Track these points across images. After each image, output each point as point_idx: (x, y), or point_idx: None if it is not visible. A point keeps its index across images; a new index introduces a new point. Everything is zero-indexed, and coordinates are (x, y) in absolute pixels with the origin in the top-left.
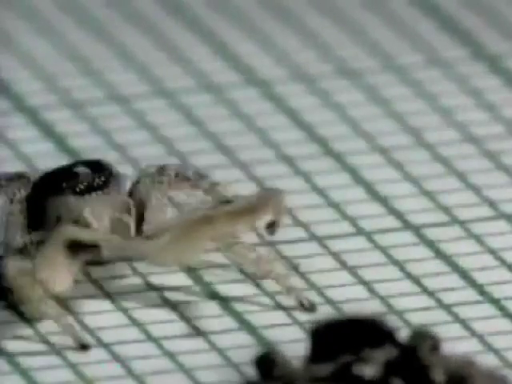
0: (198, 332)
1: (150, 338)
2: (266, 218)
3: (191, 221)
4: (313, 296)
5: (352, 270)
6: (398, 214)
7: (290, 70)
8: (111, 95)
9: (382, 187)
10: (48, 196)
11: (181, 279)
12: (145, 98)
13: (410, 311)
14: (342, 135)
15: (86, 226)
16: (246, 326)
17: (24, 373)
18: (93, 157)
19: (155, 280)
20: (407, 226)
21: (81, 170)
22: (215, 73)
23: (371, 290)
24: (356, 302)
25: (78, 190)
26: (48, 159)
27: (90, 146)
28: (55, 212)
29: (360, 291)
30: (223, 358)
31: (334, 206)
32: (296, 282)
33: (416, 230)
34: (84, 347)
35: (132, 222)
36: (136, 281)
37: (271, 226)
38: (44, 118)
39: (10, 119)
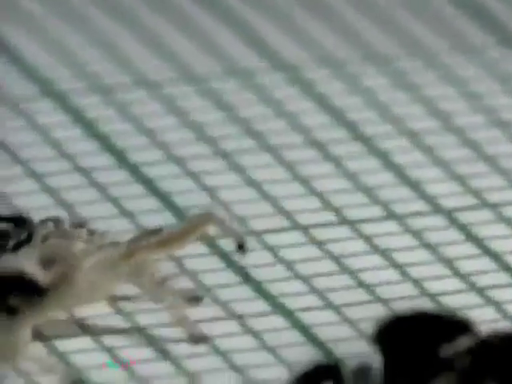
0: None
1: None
2: (187, 245)
3: (111, 257)
4: (346, 280)
5: (384, 254)
6: (428, 198)
7: (317, 54)
8: (139, 81)
9: (413, 171)
10: None
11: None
12: (173, 84)
13: (443, 294)
14: (371, 120)
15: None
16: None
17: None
18: (123, 142)
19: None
20: (438, 209)
21: (5, 226)
22: (242, 58)
23: (404, 273)
24: (388, 285)
25: (10, 248)
26: (77, 143)
27: (119, 131)
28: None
29: (392, 274)
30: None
31: (365, 190)
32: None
33: (447, 213)
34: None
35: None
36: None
37: (240, 248)
38: (73, 103)
39: (39, 104)
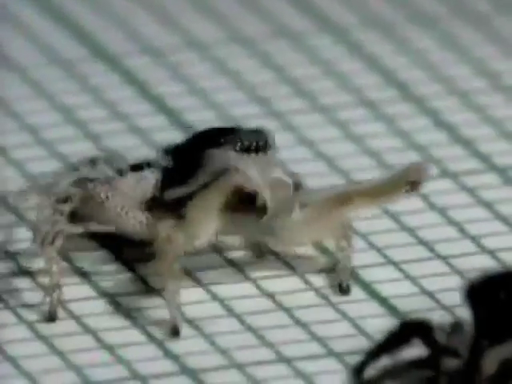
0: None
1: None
2: (402, 195)
3: (329, 199)
4: (405, 237)
5: (441, 211)
6: (482, 157)
7: (365, 16)
8: (189, 42)
9: (464, 130)
10: (206, 149)
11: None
12: (223, 45)
13: (502, 250)
14: (421, 80)
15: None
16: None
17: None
18: (174, 103)
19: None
20: (492, 167)
21: (241, 130)
22: (292, 20)
23: (462, 231)
24: (447, 243)
25: (237, 148)
26: (131, 104)
27: (171, 93)
28: (213, 165)
29: (450, 232)
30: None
31: (418, 148)
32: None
33: (501, 171)
34: (176, 333)
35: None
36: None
37: (414, 185)
38: (125, 64)
39: (91, 66)
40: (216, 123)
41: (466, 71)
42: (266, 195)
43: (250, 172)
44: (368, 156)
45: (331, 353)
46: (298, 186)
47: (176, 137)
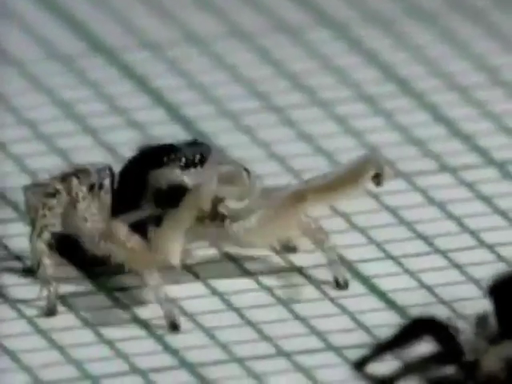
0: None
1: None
2: (359, 187)
3: (283, 199)
4: (404, 231)
5: (440, 205)
6: (481, 151)
7: (364, 11)
8: (188, 36)
9: (463, 124)
10: (151, 169)
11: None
12: (222, 39)
13: (500, 245)
14: (420, 75)
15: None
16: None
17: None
18: (173, 97)
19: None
20: (491, 162)
21: (180, 145)
22: (290, 15)
23: (461, 225)
24: (446, 237)
25: (182, 164)
26: (130, 98)
27: (170, 87)
28: (159, 185)
29: (449, 226)
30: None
31: (417, 143)
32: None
33: (500, 166)
34: (175, 327)
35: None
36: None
37: (377, 177)
38: (123, 58)
39: (90, 61)
40: (214, 117)
41: (464, 66)
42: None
43: (203, 186)
44: (367, 150)
45: (330, 347)
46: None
47: (175, 131)
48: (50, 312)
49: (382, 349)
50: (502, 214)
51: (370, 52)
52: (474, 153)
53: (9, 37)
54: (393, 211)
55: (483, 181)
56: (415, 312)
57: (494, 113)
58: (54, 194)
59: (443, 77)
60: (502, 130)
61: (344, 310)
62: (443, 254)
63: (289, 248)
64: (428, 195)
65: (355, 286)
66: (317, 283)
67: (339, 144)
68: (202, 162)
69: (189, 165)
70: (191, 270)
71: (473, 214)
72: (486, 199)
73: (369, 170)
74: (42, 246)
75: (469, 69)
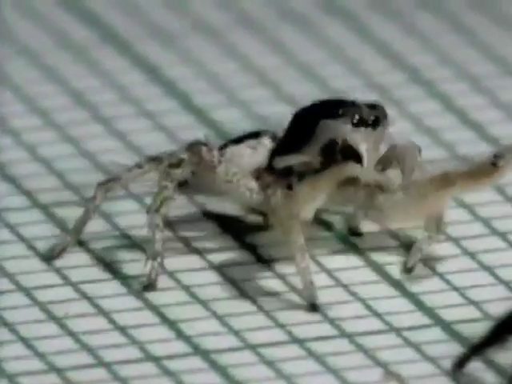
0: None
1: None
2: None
3: (431, 179)
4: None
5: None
6: (492, 140)
7: (375, 3)
8: (198, 27)
9: (474, 114)
10: (323, 119)
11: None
12: (232, 29)
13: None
14: (430, 64)
15: (358, 160)
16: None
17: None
18: (185, 87)
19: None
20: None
21: (359, 103)
22: (301, 5)
23: (473, 213)
24: (457, 225)
25: (354, 121)
26: (142, 88)
27: (182, 76)
28: (327, 136)
29: (462, 214)
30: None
31: (428, 131)
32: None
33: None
34: (314, 307)
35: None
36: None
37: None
38: (135, 49)
39: (102, 51)
40: (226, 107)
41: (475, 55)
42: (370, 175)
43: (361, 148)
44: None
45: (344, 334)
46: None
47: (187, 120)
48: (150, 286)
49: (478, 348)
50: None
51: (381, 42)
52: (484, 142)
53: (21, 27)
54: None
55: None
56: None
57: (505, 102)
58: (179, 164)
59: (454, 66)
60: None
61: (356, 296)
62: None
63: (355, 232)
64: None
65: (367, 273)
66: (330, 271)
67: None
68: (376, 124)
69: (362, 123)
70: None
71: (486, 202)
72: (497, 187)
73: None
74: (158, 220)
75: (479, 58)
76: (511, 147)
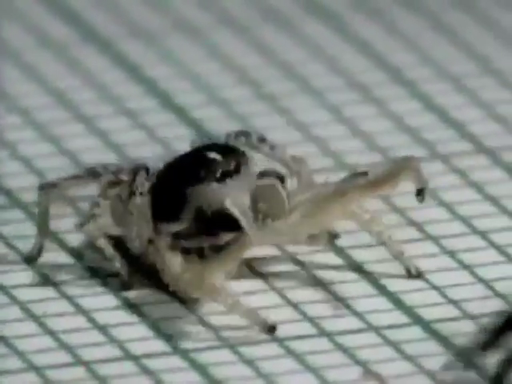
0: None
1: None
2: (396, 187)
3: (323, 195)
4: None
5: (432, 192)
6: (472, 138)
7: (356, 2)
8: (179, 26)
9: (454, 112)
10: (187, 185)
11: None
12: (214, 29)
13: (491, 232)
14: (411, 63)
15: (228, 216)
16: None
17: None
18: (166, 86)
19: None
20: (482, 149)
21: (214, 155)
22: (282, 5)
23: (452, 212)
24: (436, 224)
25: (217, 177)
26: (123, 87)
27: (163, 75)
28: (195, 202)
29: (441, 213)
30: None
31: (408, 130)
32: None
33: (491, 153)
34: (272, 329)
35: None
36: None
37: (420, 194)
38: (116, 47)
39: (83, 50)
40: (207, 105)
41: (456, 55)
42: (249, 226)
43: (235, 213)
44: (360, 139)
45: (323, 332)
46: (296, 174)
47: (168, 118)
48: (126, 285)
49: (491, 336)
50: (492, 199)
51: (362, 40)
52: (464, 140)
53: (1, 25)
54: (384, 198)
55: (474, 168)
56: None
57: (485, 101)
58: (118, 184)
59: (434, 65)
60: (492, 117)
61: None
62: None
63: (332, 235)
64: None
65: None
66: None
67: (332, 132)
68: (237, 170)
69: (225, 175)
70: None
71: (464, 200)
72: (477, 186)
73: (407, 174)
74: (93, 231)
75: (460, 57)
76: (407, 158)
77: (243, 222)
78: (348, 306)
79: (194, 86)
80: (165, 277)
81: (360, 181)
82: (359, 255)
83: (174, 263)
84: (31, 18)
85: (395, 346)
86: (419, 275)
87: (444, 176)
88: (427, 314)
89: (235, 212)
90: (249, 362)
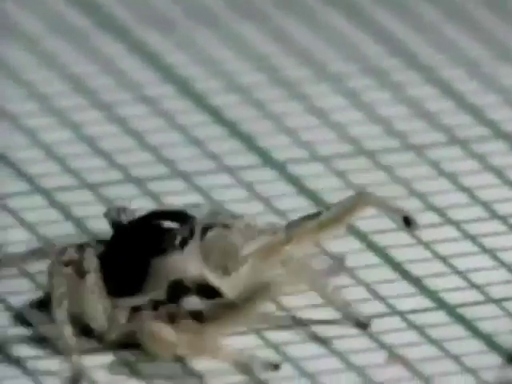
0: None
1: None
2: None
3: (270, 244)
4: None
5: (450, 177)
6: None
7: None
8: (197, 14)
9: (473, 98)
10: (150, 257)
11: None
12: (233, 18)
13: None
14: (428, 49)
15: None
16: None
17: None
18: (183, 73)
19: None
20: (500, 134)
21: (169, 224)
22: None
23: (473, 197)
24: (457, 208)
25: (177, 243)
26: (141, 74)
27: (180, 62)
28: (159, 273)
29: (461, 198)
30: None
31: (426, 115)
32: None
33: (510, 138)
34: (276, 368)
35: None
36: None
37: (407, 221)
38: (133, 35)
39: (100, 37)
40: (225, 92)
41: (473, 41)
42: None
43: (215, 282)
44: (377, 124)
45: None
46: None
47: (185, 105)
48: (75, 381)
49: None
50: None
51: (379, 27)
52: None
53: (19, 13)
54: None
55: (494, 153)
56: None
57: (503, 86)
58: (68, 264)
59: (451, 51)
60: (510, 103)
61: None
62: (456, 224)
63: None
64: (438, 167)
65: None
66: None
67: (348, 118)
68: (191, 235)
69: (183, 243)
70: None
71: (484, 185)
72: (496, 170)
73: (359, 208)
74: (62, 315)
75: (477, 43)
76: (360, 193)
77: (223, 287)
78: (371, 291)
79: (211, 73)
80: (154, 348)
81: (308, 224)
82: (381, 239)
83: (166, 333)
84: (49, 5)
85: (420, 330)
86: (367, 325)
87: (464, 161)
88: (451, 298)
89: (212, 278)
90: (275, 347)
